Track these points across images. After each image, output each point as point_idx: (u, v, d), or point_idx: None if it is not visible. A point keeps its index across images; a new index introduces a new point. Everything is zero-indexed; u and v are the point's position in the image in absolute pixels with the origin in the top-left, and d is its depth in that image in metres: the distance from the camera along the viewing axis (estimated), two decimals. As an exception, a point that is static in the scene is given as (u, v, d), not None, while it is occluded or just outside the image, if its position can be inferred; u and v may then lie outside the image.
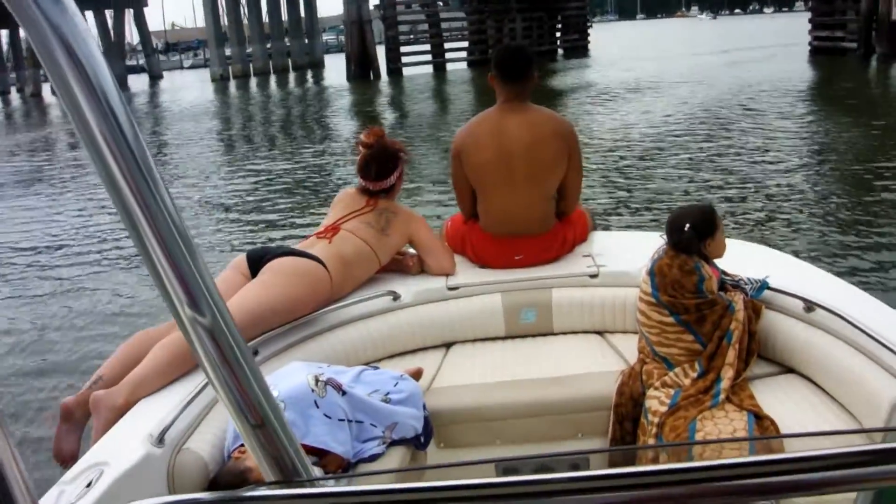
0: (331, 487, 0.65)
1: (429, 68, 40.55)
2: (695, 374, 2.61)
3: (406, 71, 38.94)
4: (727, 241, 2.79)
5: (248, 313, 2.72)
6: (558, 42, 46.46)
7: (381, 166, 3.30)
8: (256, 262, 3.00)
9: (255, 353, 2.73)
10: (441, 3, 45.90)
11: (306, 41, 54.07)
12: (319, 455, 2.33)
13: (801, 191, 9.24)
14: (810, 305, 2.66)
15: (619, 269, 3.25)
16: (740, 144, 12.32)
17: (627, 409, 2.69)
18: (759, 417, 2.44)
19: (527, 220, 3.34)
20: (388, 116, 22.43)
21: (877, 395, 2.28)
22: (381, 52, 38.84)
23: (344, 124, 21.44)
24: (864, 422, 2.35)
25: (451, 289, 3.29)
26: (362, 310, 3.13)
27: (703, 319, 2.63)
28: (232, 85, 43.70)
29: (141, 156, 0.62)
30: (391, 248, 3.33)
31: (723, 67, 26.94)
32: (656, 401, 2.58)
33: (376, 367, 2.83)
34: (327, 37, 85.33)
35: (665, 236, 2.75)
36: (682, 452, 2.37)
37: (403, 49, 40.46)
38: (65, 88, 0.61)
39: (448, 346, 3.27)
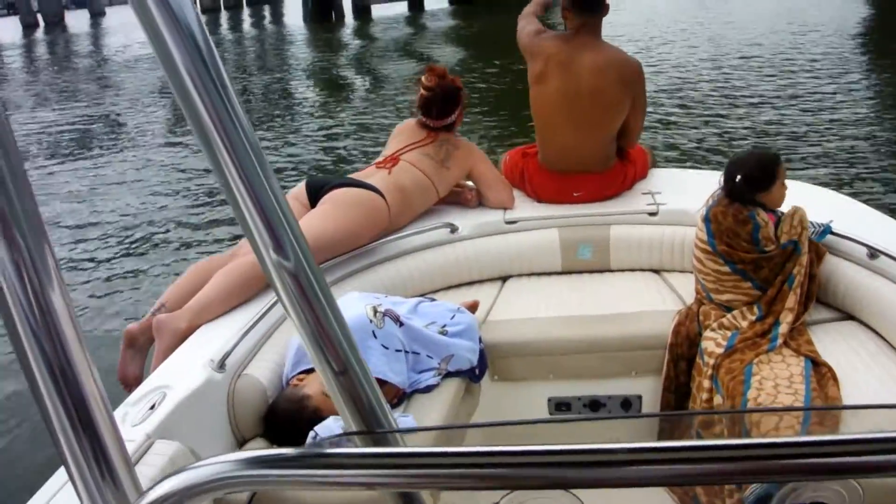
0: (414, 448, 0.64)
1: (403, 7, 34.27)
2: (753, 318, 2.58)
3: (376, 11, 33.37)
4: (791, 182, 2.71)
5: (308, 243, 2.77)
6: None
7: (442, 106, 3.29)
8: (316, 191, 3.02)
9: None
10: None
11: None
12: None
13: (868, 137, 8.84)
14: (874, 252, 2.60)
15: (678, 207, 3.20)
16: (807, 87, 11.73)
17: (683, 349, 2.69)
18: (816, 364, 2.41)
19: (587, 159, 3.30)
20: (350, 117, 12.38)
21: None
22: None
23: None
24: None
25: (508, 223, 3.29)
26: (420, 241, 3.16)
27: (760, 267, 2.59)
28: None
29: (228, 97, 0.61)
30: (450, 180, 3.33)
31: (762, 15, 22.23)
32: (713, 342, 2.57)
33: (433, 299, 2.87)
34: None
35: (721, 181, 2.69)
36: (737, 395, 2.36)
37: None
38: (146, 18, 0.59)
39: (504, 279, 3.29)
